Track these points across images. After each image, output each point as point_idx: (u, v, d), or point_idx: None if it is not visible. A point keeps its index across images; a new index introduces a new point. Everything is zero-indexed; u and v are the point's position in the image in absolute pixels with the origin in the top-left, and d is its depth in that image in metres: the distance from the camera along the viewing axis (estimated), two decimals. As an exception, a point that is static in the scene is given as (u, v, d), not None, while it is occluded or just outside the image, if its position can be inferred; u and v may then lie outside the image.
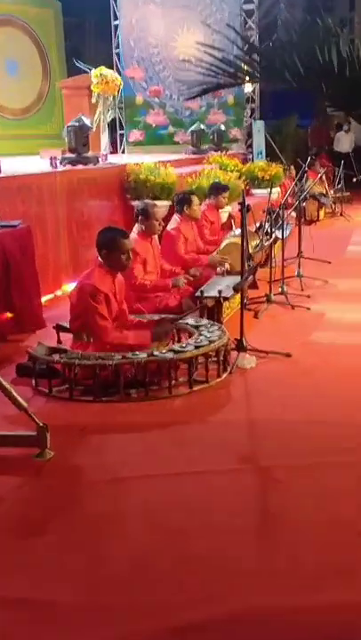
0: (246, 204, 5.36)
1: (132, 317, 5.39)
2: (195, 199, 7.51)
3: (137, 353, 4.72)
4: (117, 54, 15.77)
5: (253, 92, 16.77)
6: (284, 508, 3.30)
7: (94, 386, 4.63)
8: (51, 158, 8.28)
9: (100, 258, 5.05)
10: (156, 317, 5.52)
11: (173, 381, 4.75)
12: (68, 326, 5.22)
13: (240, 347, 5.33)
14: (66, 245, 7.67)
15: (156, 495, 3.44)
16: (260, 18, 15.91)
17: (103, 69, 10.55)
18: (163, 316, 5.55)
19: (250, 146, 16.48)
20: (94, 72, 10.49)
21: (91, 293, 4.85)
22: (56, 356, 4.81)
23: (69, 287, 7.36)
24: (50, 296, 7.13)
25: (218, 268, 6.97)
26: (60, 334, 5.40)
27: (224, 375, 5.00)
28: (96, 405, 4.56)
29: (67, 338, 5.30)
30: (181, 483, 3.55)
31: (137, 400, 4.63)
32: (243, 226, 5.37)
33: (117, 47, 15.77)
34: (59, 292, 7.39)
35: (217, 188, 8.69)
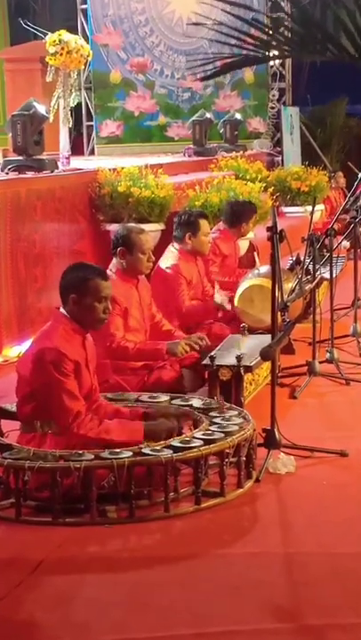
0: (278, 228, 5.40)
1: (105, 399, 5.39)
2: (204, 224, 7.53)
3: (117, 451, 4.70)
4: (84, 12, 16.09)
5: (283, 65, 17.00)
6: None
7: (54, 500, 4.60)
8: (-13, 162, 8.38)
9: (62, 309, 5.07)
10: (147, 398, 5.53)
11: (172, 494, 4.72)
12: (13, 410, 5.21)
13: (271, 441, 5.31)
14: (9, 289, 7.69)
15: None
16: None
17: (63, 34, 10.72)
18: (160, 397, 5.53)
19: (278, 143, 16.69)
20: (50, 37, 10.66)
21: (54, 362, 4.86)
22: (-4, 456, 4.78)
23: (14, 351, 7.36)
24: (-16, 365, 7.13)
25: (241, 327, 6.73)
26: (2, 422, 5.38)
27: (248, 484, 4.98)
28: (56, 530, 4.53)
29: (12, 427, 5.28)
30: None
31: (117, 522, 4.60)
32: (274, 261, 5.40)
33: (84, 2, 16.09)
34: (-2, 360, 7.39)
35: (242, 210, 8.67)
